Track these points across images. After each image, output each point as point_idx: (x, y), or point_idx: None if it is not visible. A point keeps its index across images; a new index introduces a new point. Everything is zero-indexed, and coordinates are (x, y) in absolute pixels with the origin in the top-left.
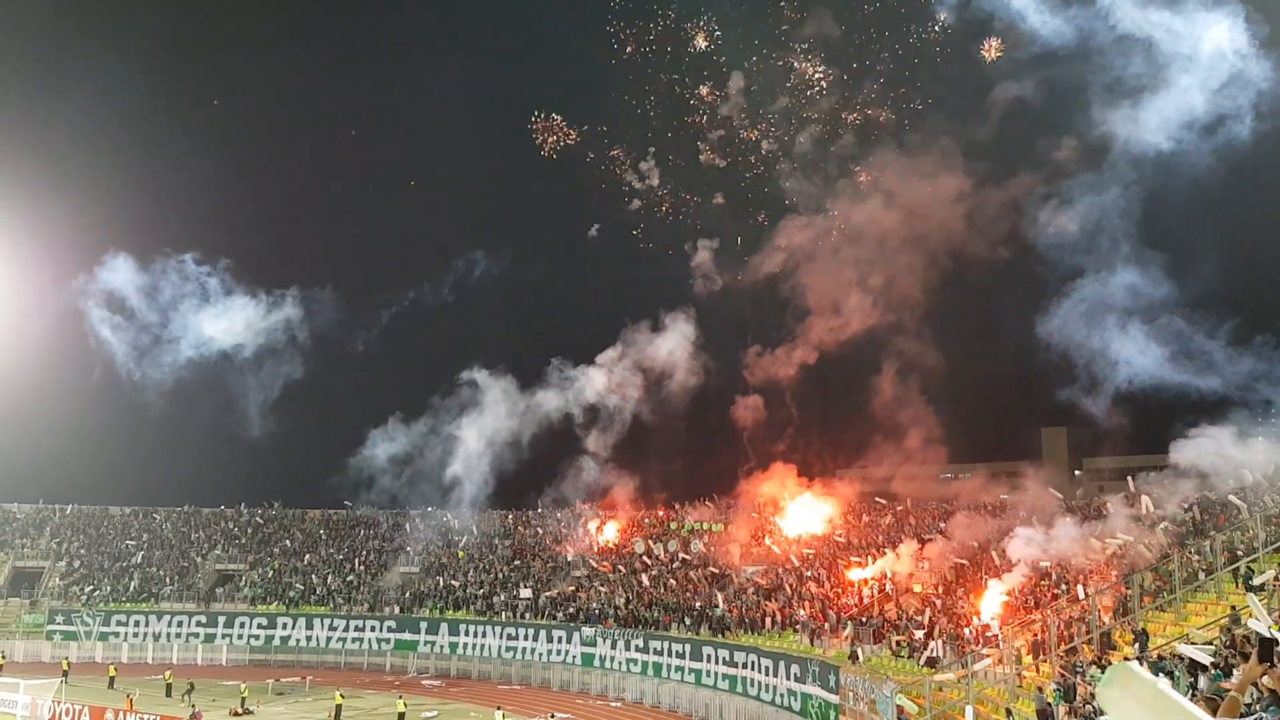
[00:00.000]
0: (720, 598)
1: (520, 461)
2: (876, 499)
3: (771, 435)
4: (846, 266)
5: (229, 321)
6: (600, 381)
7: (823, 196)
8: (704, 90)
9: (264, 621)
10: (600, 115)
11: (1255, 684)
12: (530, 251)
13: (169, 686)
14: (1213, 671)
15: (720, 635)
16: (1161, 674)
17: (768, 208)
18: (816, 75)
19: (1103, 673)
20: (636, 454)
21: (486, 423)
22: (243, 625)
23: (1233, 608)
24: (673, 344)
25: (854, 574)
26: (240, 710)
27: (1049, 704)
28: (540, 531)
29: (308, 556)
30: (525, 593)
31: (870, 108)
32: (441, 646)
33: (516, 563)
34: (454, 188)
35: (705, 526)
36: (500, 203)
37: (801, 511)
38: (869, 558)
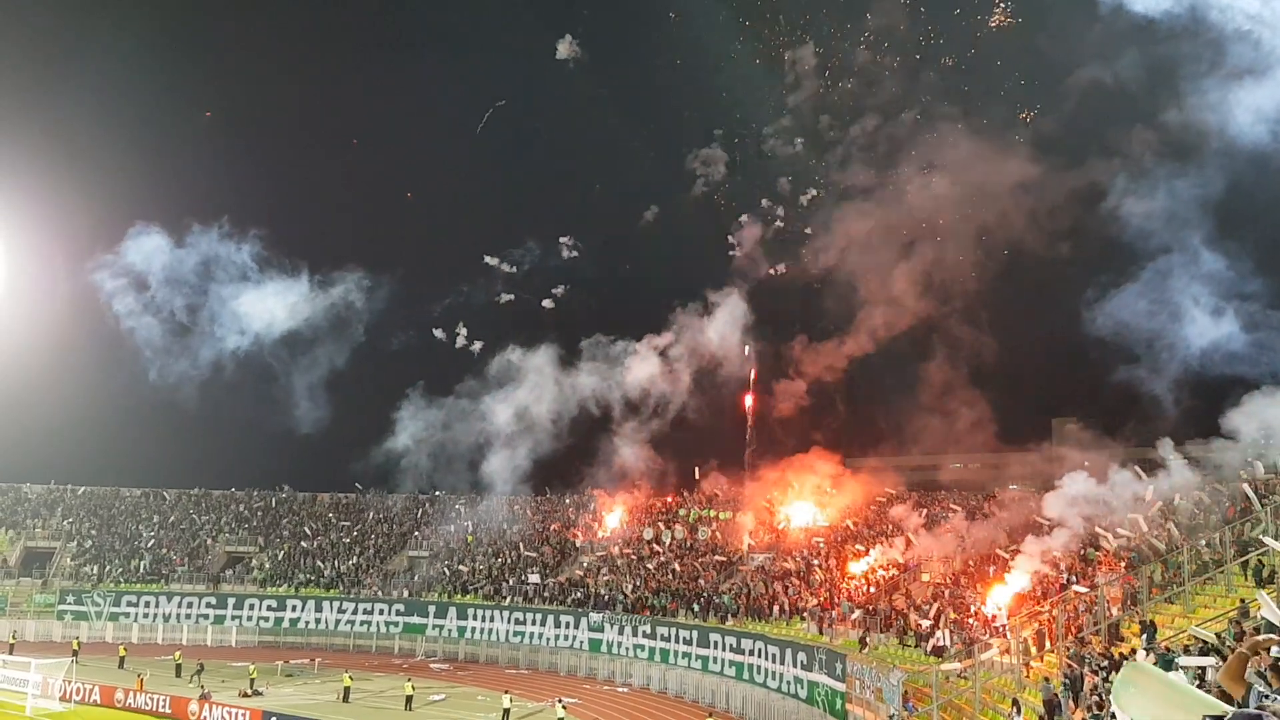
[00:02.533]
0: (727, 585)
1: (537, 447)
2: (887, 489)
3: (801, 423)
4: (899, 255)
5: (260, 304)
6: (637, 367)
7: (882, 183)
8: (767, 76)
9: (273, 603)
10: (664, 101)
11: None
12: (585, 238)
13: (178, 667)
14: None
15: (726, 621)
16: (1175, 667)
17: (826, 194)
18: (881, 60)
19: (1115, 672)
20: (664, 439)
21: (506, 408)
22: (252, 607)
23: (1241, 600)
24: (720, 330)
25: (862, 562)
26: (249, 691)
27: (1056, 695)
28: (549, 517)
29: (318, 540)
30: (534, 578)
31: (935, 93)
32: (450, 630)
33: (524, 548)
34: (506, 177)
35: (712, 514)
36: (555, 191)
37: (815, 499)
38: (877, 545)
